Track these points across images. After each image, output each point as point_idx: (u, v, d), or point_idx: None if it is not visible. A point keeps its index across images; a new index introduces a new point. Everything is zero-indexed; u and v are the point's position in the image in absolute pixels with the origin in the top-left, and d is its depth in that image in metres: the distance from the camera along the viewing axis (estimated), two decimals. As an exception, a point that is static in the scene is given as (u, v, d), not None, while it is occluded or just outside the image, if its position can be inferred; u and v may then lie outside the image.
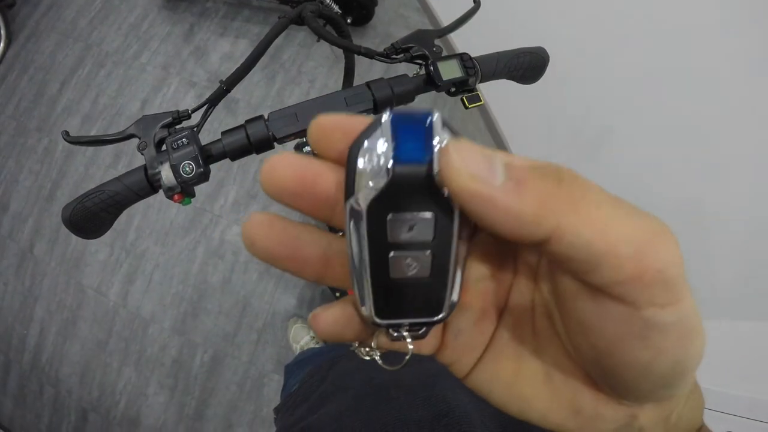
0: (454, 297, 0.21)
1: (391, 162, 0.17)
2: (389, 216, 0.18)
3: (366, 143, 0.18)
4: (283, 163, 0.20)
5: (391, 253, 0.19)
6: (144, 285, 2.07)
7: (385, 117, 0.18)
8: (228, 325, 2.02)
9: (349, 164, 0.19)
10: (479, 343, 0.24)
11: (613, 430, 0.22)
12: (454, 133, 0.18)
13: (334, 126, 0.20)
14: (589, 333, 0.19)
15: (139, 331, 2.02)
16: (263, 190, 0.20)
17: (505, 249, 0.23)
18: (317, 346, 1.87)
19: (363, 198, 0.18)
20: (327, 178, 0.20)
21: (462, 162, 0.17)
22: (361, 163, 0.18)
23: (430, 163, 0.17)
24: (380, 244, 0.19)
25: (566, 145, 1.87)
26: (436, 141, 0.17)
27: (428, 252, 0.19)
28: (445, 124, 0.18)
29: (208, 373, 1.97)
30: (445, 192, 0.18)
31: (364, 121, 0.19)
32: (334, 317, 0.22)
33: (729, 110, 1.19)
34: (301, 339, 1.89)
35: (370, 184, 0.18)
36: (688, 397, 0.23)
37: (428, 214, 0.18)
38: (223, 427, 1.92)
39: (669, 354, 0.18)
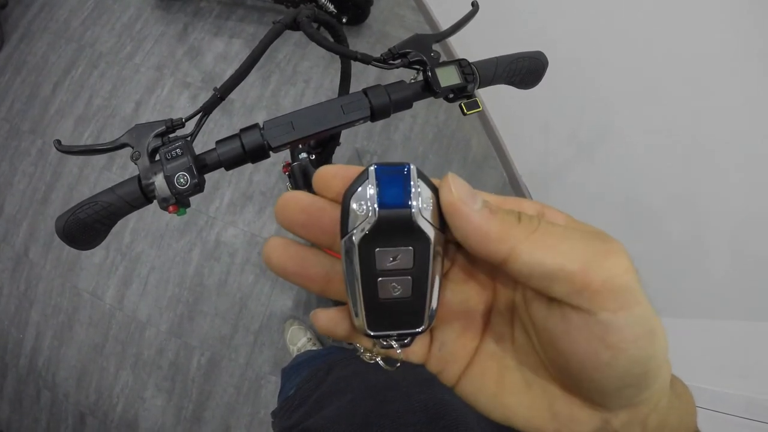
0: (433, 311, 0.25)
1: (377, 206, 0.22)
2: (377, 249, 0.23)
3: (357, 190, 0.22)
4: (293, 200, 0.25)
5: (379, 279, 0.24)
6: (140, 288, 2.06)
7: (371, 168, 0.22)
8: (225, 327, 2.01)
9: (343, 207, 0.23)
10: (462, 356, 0.28)
11: None
12: (426, 180, 0.23)
13: (334, 175, 0.25)
14: (558, 341, 0.22)
15: (135, 334, 2.02)
16: (277, 222, 0.25)
17: (484, 274, 0.27)
18: (314, 348, 1.86)
19: (355, 236, 0.22)
20: (330, 213, 0.25)
21: (455, 188, 0.22)
22: (352, 206, 0.22)
23: (409, 206, 0.22)
24: (370, 272, 0.23)
25: (563, 145, 1.87)
26: (412, 188, 0.22)
27: (409, 277, 0.24)
28: (420, 174, 0.23)
29: (206, 375, 1.96)
30: (422, 225, 0.22)
31: (358, 170, 0.23)
32: (329, 317, 0.28)
33: (723, 107, 1.19)
34: (298, 341, 1.89)
35: (361, 224, 0.22)
36: (672, 403, 0.25)
37: (408, 247, 0.23)
38: (221, 430, 1.91)
39: (627, 353, 0.20)
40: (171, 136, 0.58)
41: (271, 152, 0.58)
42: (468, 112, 0.65)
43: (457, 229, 0.22)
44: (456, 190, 0.22)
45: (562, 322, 0.22)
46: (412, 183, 0.22)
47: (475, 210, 0.22)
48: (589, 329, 0.21)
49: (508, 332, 0.27)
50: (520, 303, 0.26)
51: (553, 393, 0.25)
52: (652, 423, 0.24)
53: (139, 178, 0.55)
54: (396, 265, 0.23)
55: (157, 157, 0.55)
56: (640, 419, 0.24)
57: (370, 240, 0.22)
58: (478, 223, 0.22)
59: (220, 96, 0.61)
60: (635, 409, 0.23)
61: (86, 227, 0.55)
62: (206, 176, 0.58)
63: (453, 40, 2.35)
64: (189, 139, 0.57)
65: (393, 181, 0.22)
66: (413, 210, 0.22)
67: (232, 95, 0.63)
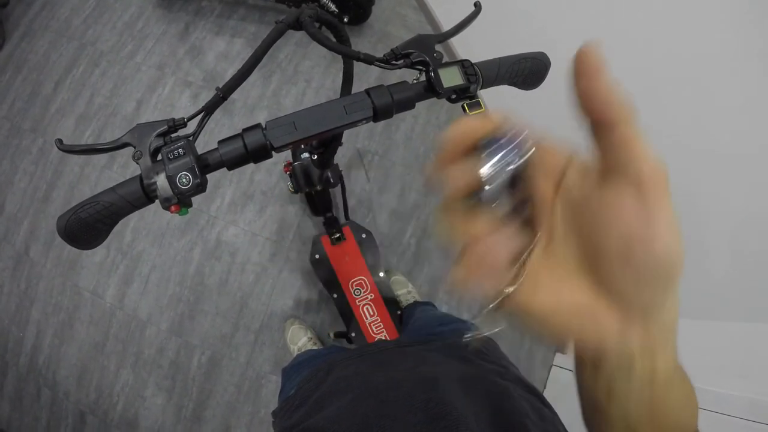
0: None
1: (510, 163, 0.29)
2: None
3: (489, 150, 0.30)
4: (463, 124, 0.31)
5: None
6: (141, 287, 2.06)
7: (506, 132, 0.30)
8: (225, 326, 2.01)
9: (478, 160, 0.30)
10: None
11: (610, 347, 0.29)
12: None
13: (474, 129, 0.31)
14: (608, 224, 0.27)
15: (136, 333, 2.02)
16: (447, 138, 0.31)
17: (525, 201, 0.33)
18: (314, 347, 1.86)
19: (494, 185, 0.29)
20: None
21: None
22: (488, 161, 0.29)
23: (522, 161, 0.30)
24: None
25: (564, 145, 1.87)
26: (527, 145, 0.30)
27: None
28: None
29: (206, 374, 1.97)
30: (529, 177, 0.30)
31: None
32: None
33: (723, 105, 1.18)
34: (299, 340, 1.89)
35: (495, 175, 0.29)
36: (678, 373, 0.32)
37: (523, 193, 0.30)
38: (221, 429, 1.92)
39: (662, 242, 0.26)
40: (173, 135, 0.58)
41: (273, 152, 0.58)
42: (470, 113, 0.65)
43: (593, 88, 0.27)
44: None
45: (616, 206, 0.27)
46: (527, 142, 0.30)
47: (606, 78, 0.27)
48: (638, 213, 0.26)
49: (546, 239, 0.32)
50: (577, 195, 0.30)
51: (579, 295, 0.29)
52: (661, 371, 0.30)
53: (140, 178, 0.55)
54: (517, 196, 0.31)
55: (159, 157, 0.55)
56: (650, 346, 0.29)
57: (503, 186, 0.30)
58: (613, 89, 0.27)
59: (222, 96, 0.61)
60: (649, 328, 0.28)
61: (88, 227, 0.55)
62: (207, 176, 0.58)
63: (455, 41, 2.35)
64: (191, 138, 0.57)
65: (514, 143, 0.30)
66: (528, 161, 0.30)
67: (234, 95, 0.63)
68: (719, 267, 1.31)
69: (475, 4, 0.75)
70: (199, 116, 0.61)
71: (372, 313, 1.77)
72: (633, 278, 0.27)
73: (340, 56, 0.73)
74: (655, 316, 0.28)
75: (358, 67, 0.78)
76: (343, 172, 1.53)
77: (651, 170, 0.26)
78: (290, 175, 1.57)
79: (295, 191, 1.77)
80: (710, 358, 1.22)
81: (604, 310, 0.28)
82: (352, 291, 1.79)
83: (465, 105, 0.65)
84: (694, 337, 1.27)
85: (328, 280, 1.82)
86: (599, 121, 0.27)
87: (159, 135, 0.57)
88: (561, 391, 1.92)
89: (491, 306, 0.30)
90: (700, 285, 1.33)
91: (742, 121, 1.15)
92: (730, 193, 1.23)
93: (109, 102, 2.34)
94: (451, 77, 0.64)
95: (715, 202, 1.27)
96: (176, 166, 0.53)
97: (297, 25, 0.66)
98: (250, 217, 2.14)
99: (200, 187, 0.54)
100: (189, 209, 0.58)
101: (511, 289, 0.30)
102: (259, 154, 0.57)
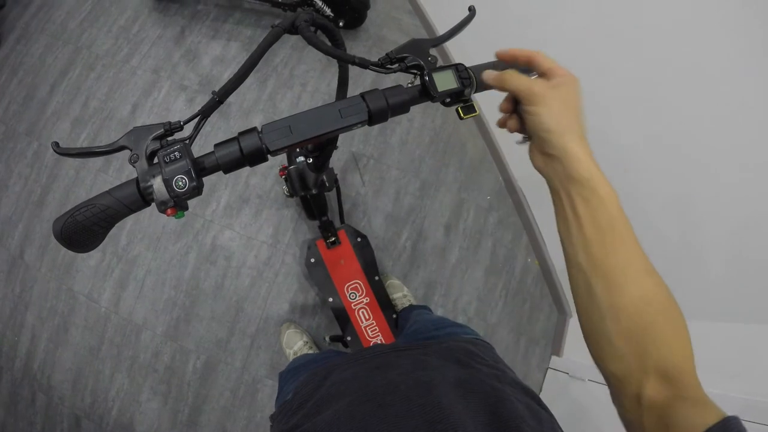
0: None
1: None
2: None
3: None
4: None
5: None
6: (136, 291, 2.05)
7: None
8: (221, 330, 2.01)
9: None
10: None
11: (553, 170, 0.58)
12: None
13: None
14: (531, 122, 0.59)
15: (131, 337, 2.01)
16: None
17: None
18: (310, 351, 1.86)
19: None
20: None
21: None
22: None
23: None
24: None
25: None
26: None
27: None
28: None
29: (202, 379, 1.96)
30: None
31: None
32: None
33: (719, 108, 1.19)
34: (294, 344, 1.88)
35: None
36: (610, 233, 0.55)
37: None
38: (217, 433, 1.91)
39: (543, 119, 0.57)
40: (169, 139, 0.58)
41: (269, 156, 0.58)
42: (465, 117, 0.66)
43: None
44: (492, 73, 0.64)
45: (528, 112, 0.58)
46: None
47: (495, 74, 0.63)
48: (531, 114, 0.58)
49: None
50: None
51: (542, 157, 0.59)
52: (582, 211, 0.55)
53: (137, 181, 0.55)
54: None
55: (156, 160, 0.55)
56: (566, 178, 0.55)
57: None
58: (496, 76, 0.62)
59: (218, 99, 0.61)
60: (561, 165, 0.56)
61: (84, 230, 0.55)
62: (204, 179, 0.58)
63: (450, 45, 2.36)
64: (187, 142, 0.57)
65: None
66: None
67: (230, 99, 0.63)
68: (715, 268, 1.32)
69: (470, 8, 0.76)
70: (196, 120, 0.62)
71: (368, 317, 1.77)
72: (541, 141, 0.57)
73: (335, 60, 0.74)
74: (559, 159, 0.56)
75: (353, 71, 0.78)
76: (338, 176, 1.53)
77: (537, 92, 0.57)
78: (285, 179, 1.58)
79: (291, 195, 1.77)
80: (705, 359, 1.22)
81: (547, 158, 0.58)
82: (348, 295, 1.79)
83: (459, 108, 0.66)
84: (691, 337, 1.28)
85: (324, 284, 1.82)
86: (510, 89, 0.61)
87: (155, 138, 0.57)
88: (557, 393, 1.92)
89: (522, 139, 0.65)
90: (696, 285, 1.34)
91: (738, 126, 1.16)
92: (727, 197, 1.24)
93: (105, 106, 2.33)
94: (445, 81, 0.64)
95: (712, 204, 1.28)
96: (173, 169, 0.53)
97: (293, 29, 0.66)
98: (245, 220, 2.14)
99: (196, 190, 0.54)
100: (185, 212, 0.58)
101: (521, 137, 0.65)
102: (255, 157, 0.58)
